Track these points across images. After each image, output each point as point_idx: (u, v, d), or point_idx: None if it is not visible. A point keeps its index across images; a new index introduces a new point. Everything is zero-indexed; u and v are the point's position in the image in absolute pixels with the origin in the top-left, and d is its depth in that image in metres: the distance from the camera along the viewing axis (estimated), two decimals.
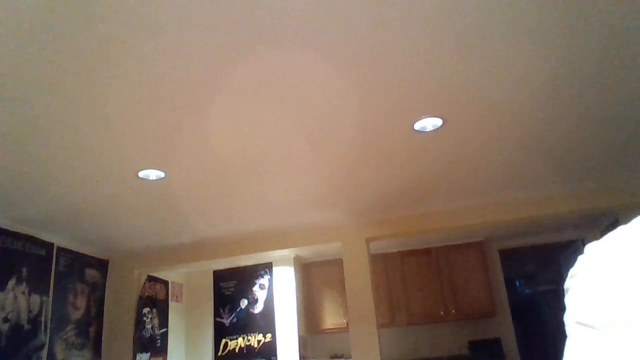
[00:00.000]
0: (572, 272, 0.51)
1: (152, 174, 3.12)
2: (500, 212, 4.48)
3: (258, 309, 5.67)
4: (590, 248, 0.51)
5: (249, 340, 5.59)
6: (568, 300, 0.50)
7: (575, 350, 0.47)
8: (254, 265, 5.75)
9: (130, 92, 2.20)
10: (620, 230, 0.49)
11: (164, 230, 4.34)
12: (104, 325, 4.80)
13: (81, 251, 4.58)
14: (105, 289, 4.90)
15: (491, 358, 5.47)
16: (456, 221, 4.55)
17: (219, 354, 5.66)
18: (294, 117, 2.57)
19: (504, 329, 5.73)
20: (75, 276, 4.47)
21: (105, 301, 4.86)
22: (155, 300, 5.36)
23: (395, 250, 5.98)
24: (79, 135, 2.55)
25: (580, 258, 0.51)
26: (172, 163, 3.01)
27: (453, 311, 5.63)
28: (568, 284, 0.52)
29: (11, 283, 3.70)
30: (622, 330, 0.42)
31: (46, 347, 3.99)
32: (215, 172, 3.21)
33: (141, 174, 3.10)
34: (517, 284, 7.65)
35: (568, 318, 0.49)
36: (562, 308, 0.52)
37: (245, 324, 5.66)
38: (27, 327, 3.80)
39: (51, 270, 4.16)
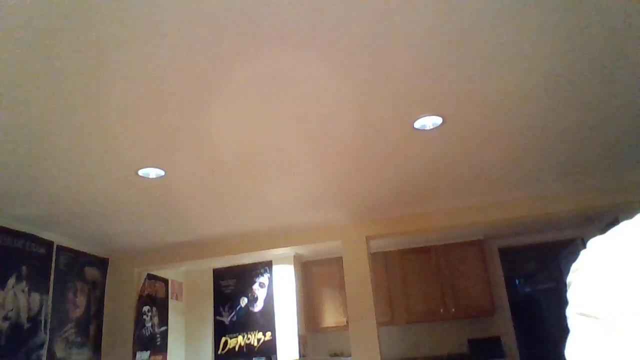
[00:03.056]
0: (574, 266, 0.51)
1: (152, 172, 3.12)
2: (500, 211, 4.48)
3: (258, 307, 5.67)
4: (593, 242, 0.51)
5: (248, 339, 5.60)
6: (570, 293, 0.50)
7: (577, 339, 0.46)
8: (254, 263, 5.76)
9: (130, 91, 2.20)
10: (623, 225, 0.49)
11: (164, 228, 4.34)
12: (103, 323, 4.81)
13: (81, 249, 4.59)
14: (105, 288, 4.90)
15: (491, 356, 5.47)
16: (456, 220, 4.55)
17: (219, 352, 5.67)
18: (293, 116, 2.57)
19: (504, 327, 5.73)
20: (75, 274, 4.47)
21: (105, 299, 4.86)
22: (155, 299, 5.36)
23: (395, 249, 5.98)
24: (78, 134, 2.55)
25: (582, 252, 0.51)
26: (172, 161, 3.01)
27: (453, 309, 5.63)
28: (571, 277, 0.52)
29: (11, 281, 3.70)
30: (624, 321, 0.42)
31: (46, 345, 4.00)
32: (215, 171, 3.21)
33: (141, 172, 3.10)
34: (517, 282, 7.65)
35: (570, 311, 0.49)
36: (562, 305, 0.52)
37: (245, 322, 5.66)
38: (27, 325, 3.80)
39: (51, 269, 4.16)
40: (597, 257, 0.48)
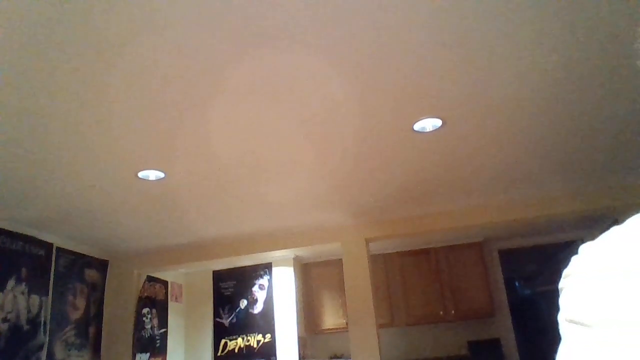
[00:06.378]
0: (565, 272, 0.51)
1: (152, 174, 3.12)
2: (499, 212, 4.48)
3: (257, 309, 5.67)
4: (584, 248, 0.51)
5: (248, 341, 5.59)
6: (562, 300, 0.50)
7: (567, 347, 0.46)
8: (254, 265, 5.75)
9: (130, 92, 2.20)
10: (614, 230, 0.49)
11: (164, 230, 4.34)
12: (103, 325, 4.80)
13: (80, 251, 4.58)
14: (104, 289, 4.89)
15: (490, 358, 5.47)
16: (456, 221, 4.55)
17: (219, 354, 5.66)
18: (293, 117, 2.57)
19: (504, 329, 5.73)
20: (74, 276, 4.47)
21: (104, 301, 4.86)
22: (154, 301, 5.36)
23: (394, 251, 5.97)
24: (78, 135, 2.55)
25: (573, 258, 0.51)
26: (172, 163, 3.01)
27: (452, 311, 5.63)
28: (562, 284, 0.52)
29: (10, 283, 3.70)
30: (613, 328, 0.42)
31: (45, 347, 3.99)
32: (215, 172, 3.21)
33: (141, 174, 3.10)
34: (517, 284, 7.64)
35: (561, 317, 0.49)
36: (559, 308, 0.52)
37: (245, 324, 5.66)
38: (26, 327, 3.80)
39: (50, 271, 4.16)
40: (588, 263, 0.48)
